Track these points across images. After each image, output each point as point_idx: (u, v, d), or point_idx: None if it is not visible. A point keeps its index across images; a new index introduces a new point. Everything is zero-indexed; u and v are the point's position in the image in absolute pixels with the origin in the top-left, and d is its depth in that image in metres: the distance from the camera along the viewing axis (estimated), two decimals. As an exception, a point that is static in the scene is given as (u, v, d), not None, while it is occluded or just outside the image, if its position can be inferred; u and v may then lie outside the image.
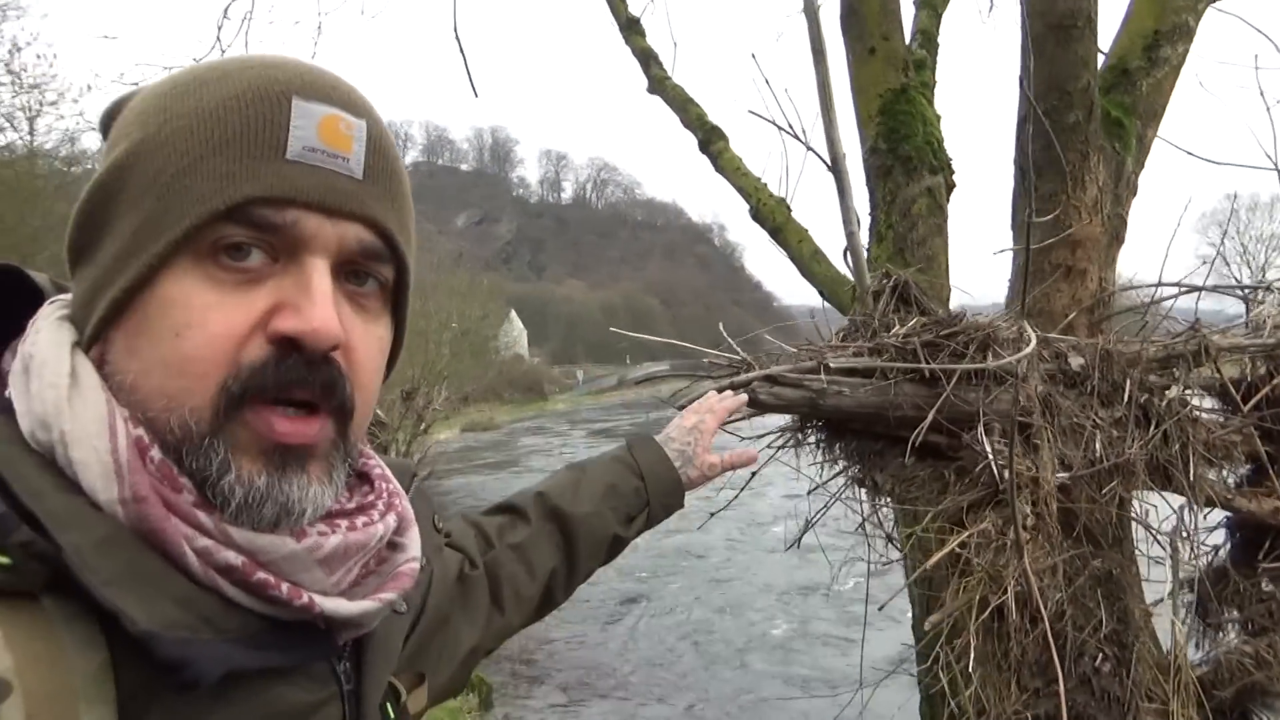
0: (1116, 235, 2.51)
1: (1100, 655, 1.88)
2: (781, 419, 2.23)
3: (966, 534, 1.82)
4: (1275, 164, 2.47)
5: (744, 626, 9.32)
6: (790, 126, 2.27)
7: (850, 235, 2.21)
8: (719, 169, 4.05)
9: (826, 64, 2.13)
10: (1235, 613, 2.12)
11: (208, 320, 0.59)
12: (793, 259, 3.68)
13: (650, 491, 1.26)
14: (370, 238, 0.65)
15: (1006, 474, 1.77)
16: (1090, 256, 2.45)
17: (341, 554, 0.66)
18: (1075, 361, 2.10)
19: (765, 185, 3.84)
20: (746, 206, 3.85)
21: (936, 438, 2.05)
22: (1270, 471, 2.11)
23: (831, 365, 1.98)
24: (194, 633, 0.57)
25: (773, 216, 3.76)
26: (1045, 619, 1.86)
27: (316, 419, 0.63)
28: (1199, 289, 2.41)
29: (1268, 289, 2.34)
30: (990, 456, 1.91)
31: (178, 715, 0.57)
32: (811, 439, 2.20)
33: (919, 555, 2.57)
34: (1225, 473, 2.12)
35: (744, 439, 2.23)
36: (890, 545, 2.41)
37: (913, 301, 2.20)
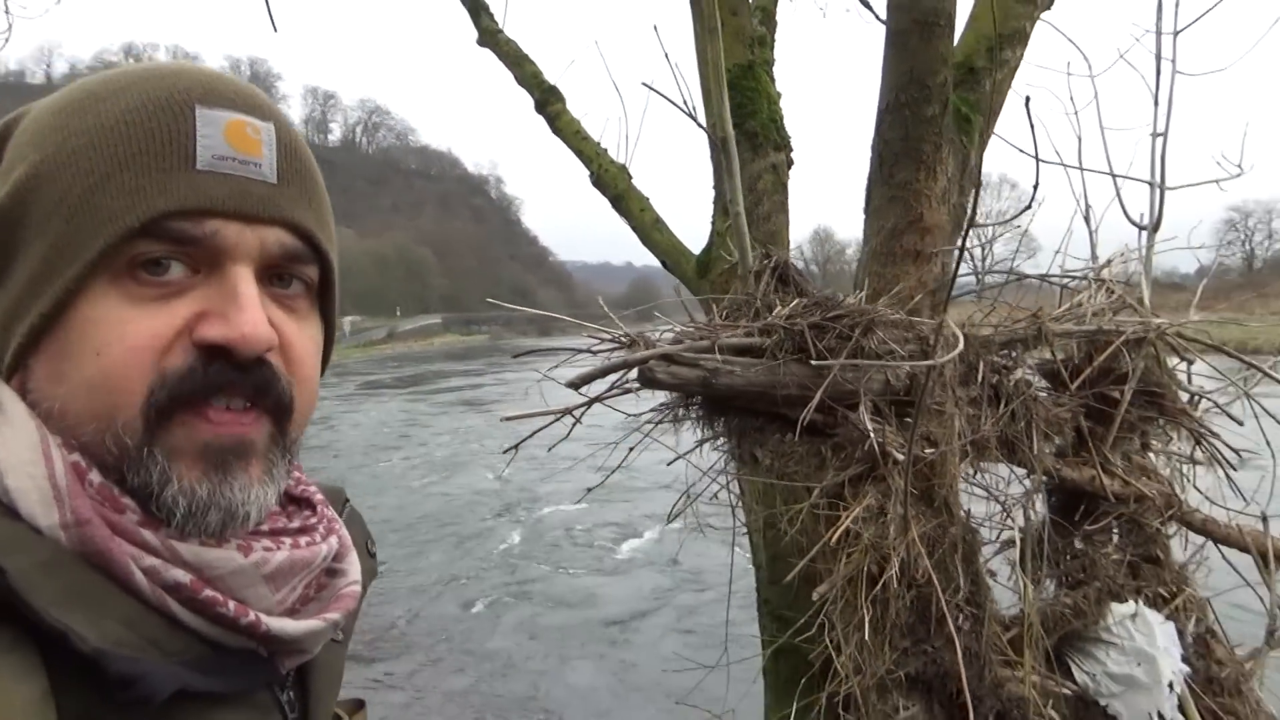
0: (959, 224, 2.70)
1: (960, 615, 2.05)
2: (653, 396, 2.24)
3: (858, 508, 1.92)
4: (1060, 160, 2.74)
5: (627, 597, 9.34)
6: (687, 102, 2.25)
7: (736, 215, 2.23)
8: (556, 131, 3.97)
9: (719, 42, 2.13)
10: (1056, 569, 2.38)
11: (125, 334, 0.59)
12: (634, 227, 3.68)
13: None
14: (291, 240, 0.65)
15: (900, 455, 1.88)
16: (937, 243, 2.62)
17: (287, 570, 0.66)
18: (941, 345, 2.25)
19: (606, 151, 3.81)
20: (587, 173, 3.80)
21: (815, 415, 2.13)
22: (1090, 443, 2.37)
23: (727, 343, 2.01)
24: (141, 653, 0.56)
25: (614, 184, 3.74)
26: (916, 585, 2.00)
27: (251, 414, 0.63)
28: (1025, 277, 2.65)
29: (1083, 278, 2.61)
30: (872, 434, 2.01)
31: None
32: (692, 415, 2.23)
33: (769, 530, 2.69)
34: (1054, 445, 2.36)
35: (628, 415, 2.23)
36: (739, 519, 2.51)
37: (791, 282, 2.27)
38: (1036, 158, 2.49)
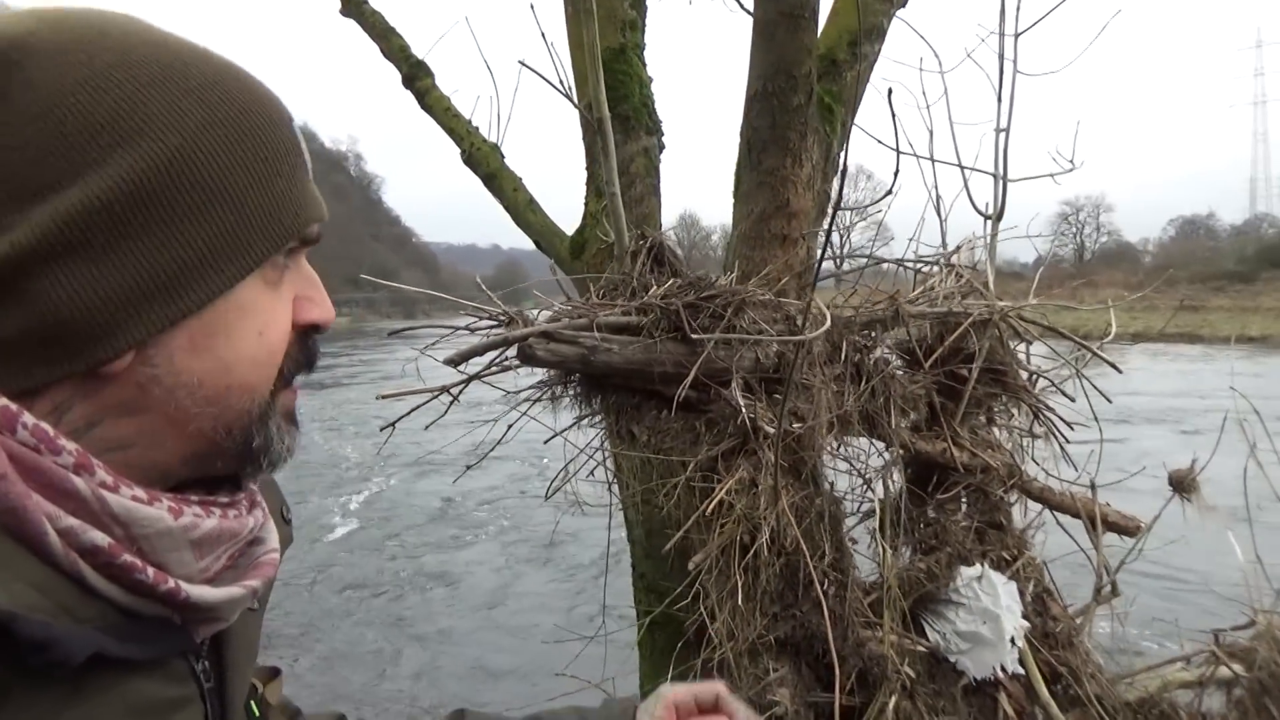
0: (822, 209, 2.82)
1: (826, 581, 2.16)
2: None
3: (731, 480, 1.99)
4: (915, 151, 2.91)
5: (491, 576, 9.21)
6: (563, 83, 2.26)
7: (612, 196, 2.26)
8: (426, 108, 3.89)
9: (595, 24, 2.15)
10: (911, 536, 2.53)
11: (279, 318, 0.70)
12: (507, 207, 3.66)
13: None
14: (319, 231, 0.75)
15: (770, 429, 1.96)
16: (803, 227, 2.73)
17: (214, 538, 0.68)
18: (807, 324, 2.35)
19: (478, 130, 3.77)
20: (458, 151, 3.75)
21: (689, 392, 2.20)
22: (941, 418, 2.53)
23: (605, 321, 2.04)
24: (53, 618, 0.56)
25: (486, 163, 3.71)
26: (785, 553, 2.10)
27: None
28: (882, 261, 2.79)
29: (934, 263, 2.77)
30: (744, 409, 2.09)
31: (33, 709, 0.55)
32: (570, 393, 2.26)
33: (645, 505, 2.75)
34: (909, 420, 2.50)
35: (506, 392, 2.24)
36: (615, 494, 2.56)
37: (666, 262, 2.32)
38: (897, 150, 2.64)
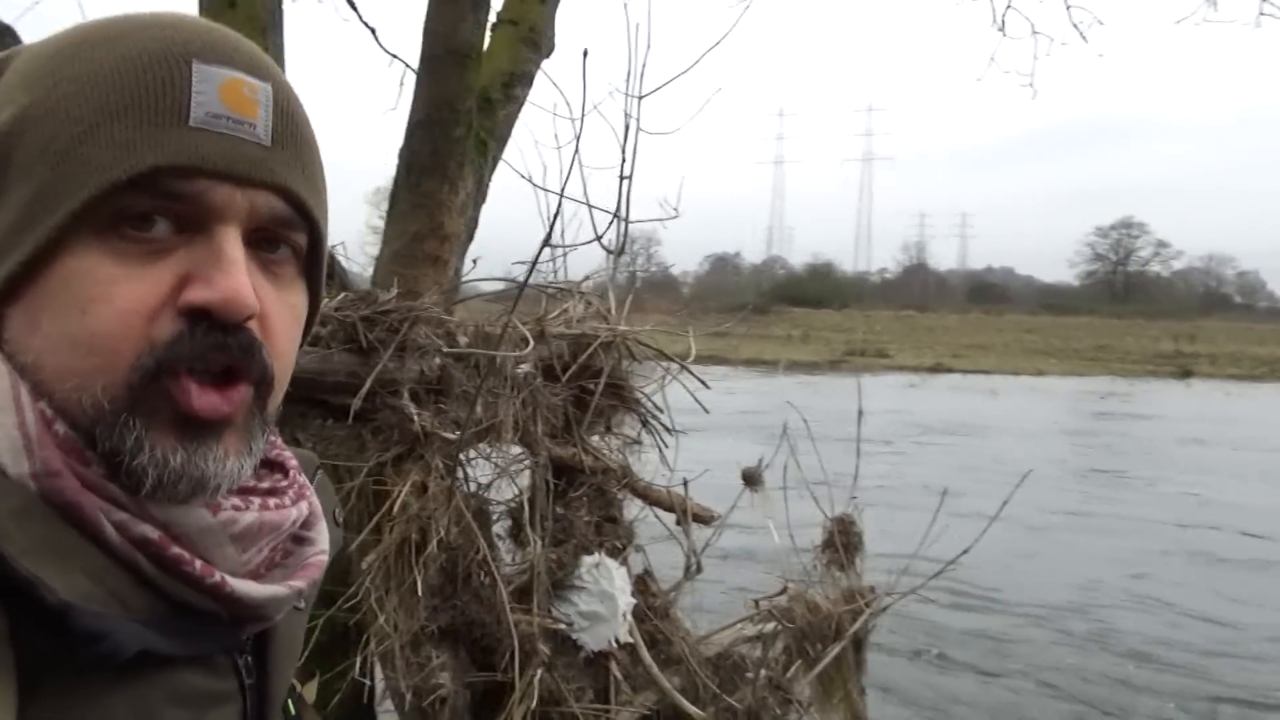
0: (470, 235, 3.06)
1: (482, 573, 2.39)
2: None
3: (406, 483, 2.15)
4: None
5: None
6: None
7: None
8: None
9: (282, 33, 2.19)
10: (547, 531, 2.86)
11: (114, 295, 0.57)
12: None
13: None
14: (281, 205, 0.64)
15: (448, 435, 2.15)
16: (453, 249, 2.95)
17: (255, 531, 0.65)
18: (462, 340, 2.57)
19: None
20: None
21: (356, 401, 2.31)
22: (573, 427, 2.89)
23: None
24: (105, 608, 0.55)
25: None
26: (448, 549, 2.30)
27: (236, 389, 0.61)
28: (523, 286, 3.10)
29: (567, 290, 3.14)
30: (416, 417, 2.26)
31: (78, 691, 0.55)
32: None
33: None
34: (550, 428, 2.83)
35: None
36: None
37: (336, 276, 2.41)
38: (548, 188, 2.97)
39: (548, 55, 3.29)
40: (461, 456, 2.47)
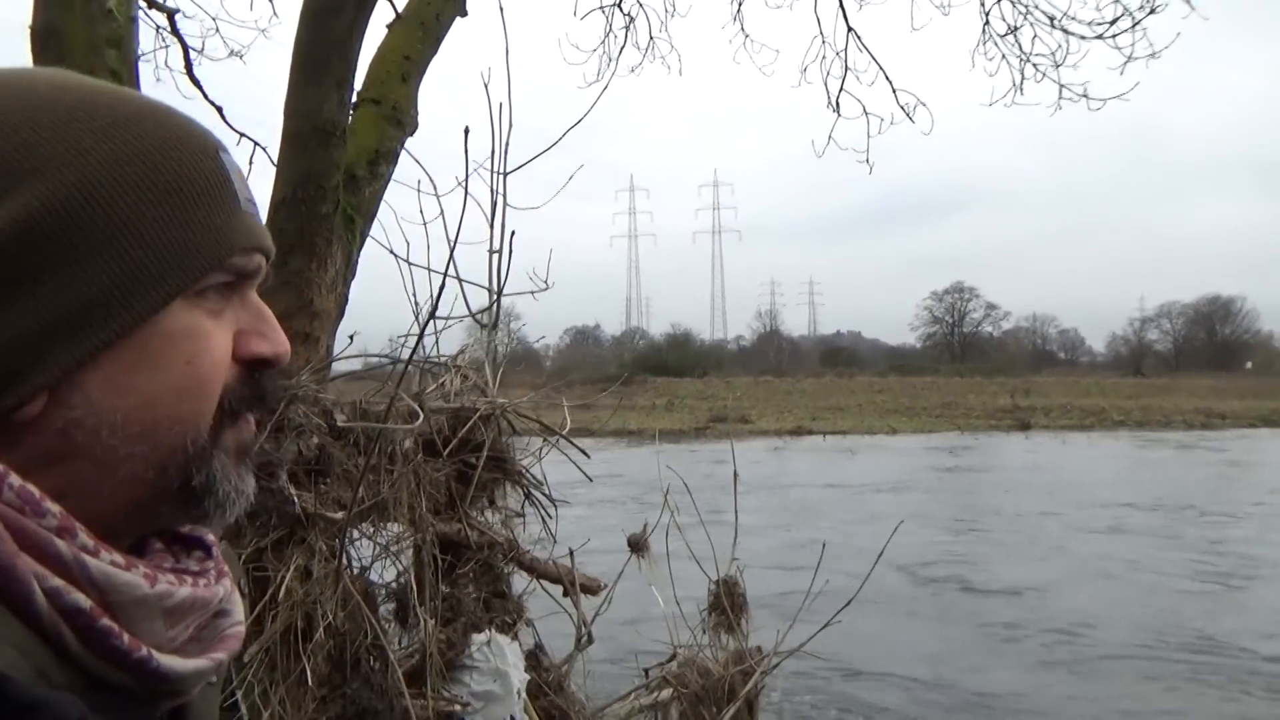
0: (341, 311, 3.01)
1: (372, 658, 2.30)
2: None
3: (290, 568, 2.06)
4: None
5: None
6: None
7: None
8: None
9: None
10: (434, 609, 2.78)
11: (212, 347, 0.67)
12: None
13: None
14: (266, 265, 0.74)
15: (334, 515, 2.08)
16: (324, 326, 2.89)
17: (187, 608, 0.67)
18: (340, 418, 2.51)
19: None
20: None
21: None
22: (456, 501, 2.85)
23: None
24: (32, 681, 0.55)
25: None
26: (336, 635, 2.21)
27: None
28: (409, 361, 3.06)
29: (443, 364, 3.12)
30: (297, 499, 2.18)
31: None
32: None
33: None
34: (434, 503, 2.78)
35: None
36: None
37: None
38: (410, 261, 2.96)
39: (411, 133, 3.32)
40: (347, 536, 2.39)
